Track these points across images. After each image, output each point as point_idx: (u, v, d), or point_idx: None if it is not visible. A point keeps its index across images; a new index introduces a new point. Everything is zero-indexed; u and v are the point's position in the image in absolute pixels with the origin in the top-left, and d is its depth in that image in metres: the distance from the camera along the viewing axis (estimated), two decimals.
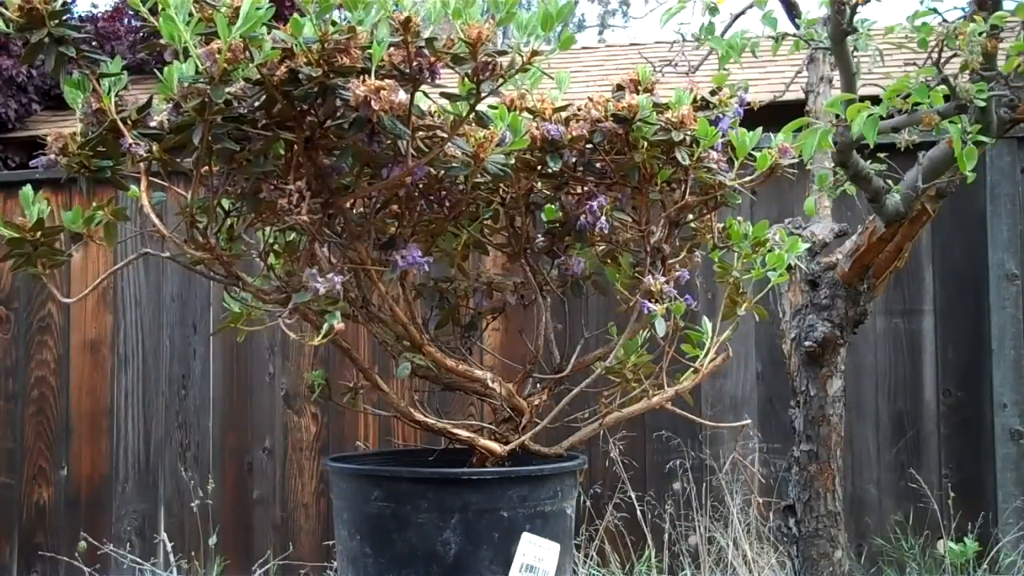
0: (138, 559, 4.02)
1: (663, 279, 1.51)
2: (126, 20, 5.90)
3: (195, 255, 1.45)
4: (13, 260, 1.49)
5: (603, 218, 1.51)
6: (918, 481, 3.61)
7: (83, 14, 5.99)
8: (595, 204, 1.49)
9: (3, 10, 1.30)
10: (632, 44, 7.36)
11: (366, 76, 1.24)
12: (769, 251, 1.65)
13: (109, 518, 4.24)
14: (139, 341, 4.29)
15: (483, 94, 1.31)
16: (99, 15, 5.86)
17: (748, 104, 1.70)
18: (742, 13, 2.84)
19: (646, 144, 1.50)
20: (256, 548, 4.10)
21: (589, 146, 1.51)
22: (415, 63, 1.26)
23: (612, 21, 17.74)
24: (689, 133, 1.48)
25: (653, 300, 1.50)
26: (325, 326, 1.33)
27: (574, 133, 1.47)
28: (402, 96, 1.24)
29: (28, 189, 1.50)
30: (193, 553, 4.08)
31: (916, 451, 3.73)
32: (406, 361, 1.56)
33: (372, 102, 1.22)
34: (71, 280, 4.31)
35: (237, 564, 4.09)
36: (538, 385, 1.76)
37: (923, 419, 3.74)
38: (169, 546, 3.97)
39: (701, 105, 1.59)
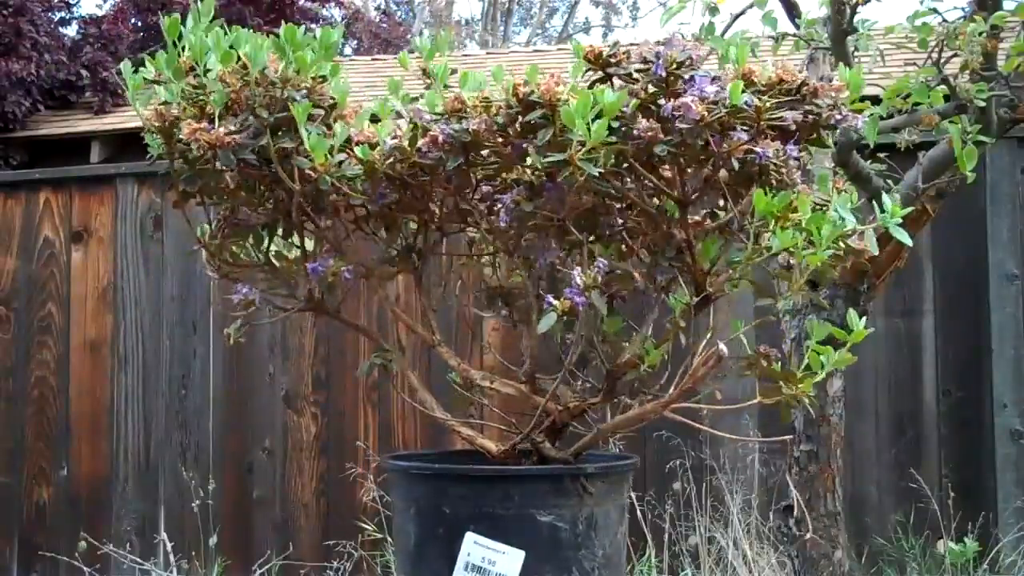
0: (138, 559, 4.02)
1: (595, 271, 1.43)
2: (131, 21, 5.91)
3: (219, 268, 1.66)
4: None
5: (503, 212, 1.46)
6: (918, 481, 3.60)
7: (87, 16, 5.98)
8: (507, 198, 1.46)
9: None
10: (632, 44, 7.39)
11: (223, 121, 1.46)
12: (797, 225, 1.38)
13: (109, 518, 4.24)
14: (139, 341, 4.29)
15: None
16: (103, 17, 5.86)
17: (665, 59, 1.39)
18: (742, 13, 2.83)
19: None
20: (256, 548, 4.10)
21: (500, 138, 1.43)
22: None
23: (615, 22, 17.75)
24: (560, 106, 1.33)
25: (586, 293, 1.42)
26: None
27: (472, 127, 1.40)
28: (218, 132, 1.43)
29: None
30: (193, 553, 4.08)
31: (916, 451, 3.73)
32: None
33: (192, 142, 1.44)
34: (71, 280, 4.31)
35: (237, 564, 4.09)
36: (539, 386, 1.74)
37: (923, 419, 3.74)
38: (169, 546, 3.97)
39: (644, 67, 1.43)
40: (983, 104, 2.22)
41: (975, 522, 3.55)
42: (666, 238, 1.51)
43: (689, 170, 1.45)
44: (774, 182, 1.40)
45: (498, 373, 1.70)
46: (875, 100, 2.13)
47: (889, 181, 2.54)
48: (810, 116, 1.42)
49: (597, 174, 1.34)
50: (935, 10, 2.42)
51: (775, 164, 1.38)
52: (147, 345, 4.28)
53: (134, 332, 4.29)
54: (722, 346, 1.44)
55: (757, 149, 1.36)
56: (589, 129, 1.31)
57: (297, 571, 4.03)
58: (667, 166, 1.47)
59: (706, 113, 1.33)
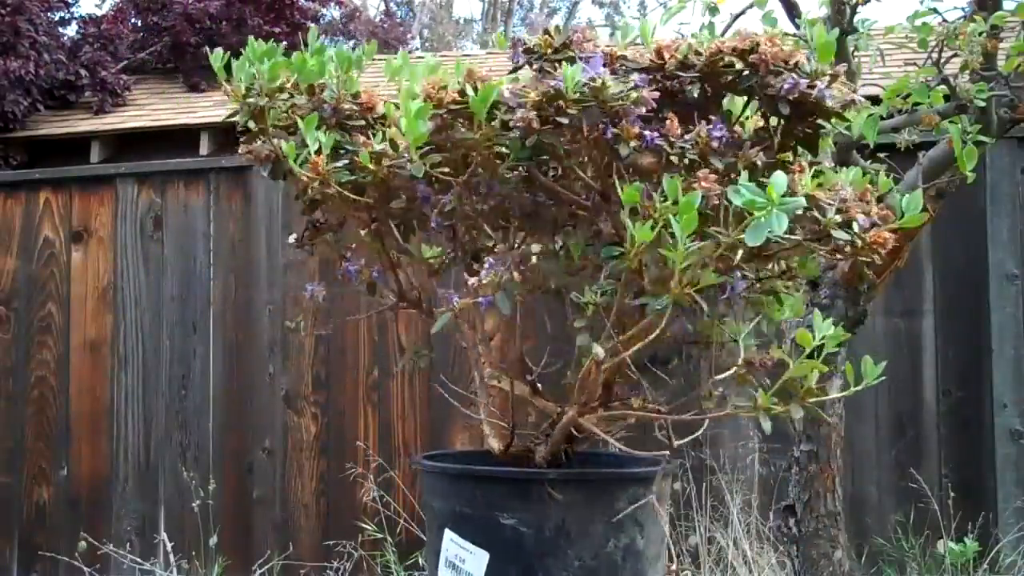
0: (138, 559, 4.02)
1: (497, 269, 1.40)
2: (130, 21, 5.90)
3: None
4: None
5: (434, 213, 1.46)
6: (918, 481, 3.61)
7: (87, 16, 5.96)
8: (446, 198, 1.46)
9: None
10: (632, 44, 7.38)
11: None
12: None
13: (109, 518, 4.24)
14: (139, 341, 4.29)
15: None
16: (103, 16, 5.85)
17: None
18: (742, 13, 2.83)
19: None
20: (256, 548, 4.10)
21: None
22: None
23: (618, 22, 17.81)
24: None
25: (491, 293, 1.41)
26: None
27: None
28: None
29: None
30: (193, 553, 4.08)
31: (916, 451, 3.73)
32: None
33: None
34: (71, 280, 4.31)
35: (237, 564, 4.09)
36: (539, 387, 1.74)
37: (923, 419, 3.74)
38: (169, 546, 3.97)
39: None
40: (983, 104, 2.23)
41: (975, 522, 3.55)
42: (595, 232, 1.44)
43: (589, 160, 1.39)
44: (720, 166, 1.30)
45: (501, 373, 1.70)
46: (875, 100, 2.13)
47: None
48: (768, 90, 1.33)
49: (420, 173, 1.36)
50: (935, 10, 2.42)
51: (668, 147, 1.31)
52: (147, 345, 4.28)
53: (134, 332, 4.29)
54: (598, 349, 1.38)
55: (646, 133, 1.30)
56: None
57: (297, 571, 4.03)
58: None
59: (539, 98, 1.29)
